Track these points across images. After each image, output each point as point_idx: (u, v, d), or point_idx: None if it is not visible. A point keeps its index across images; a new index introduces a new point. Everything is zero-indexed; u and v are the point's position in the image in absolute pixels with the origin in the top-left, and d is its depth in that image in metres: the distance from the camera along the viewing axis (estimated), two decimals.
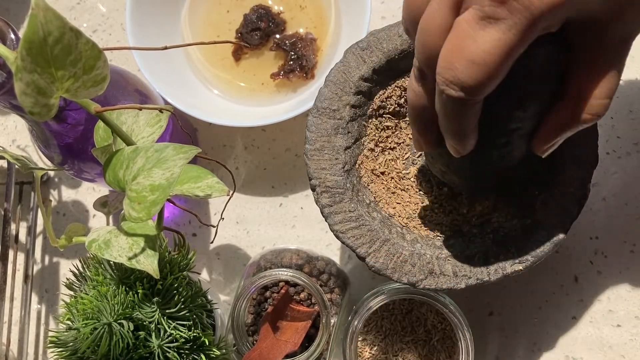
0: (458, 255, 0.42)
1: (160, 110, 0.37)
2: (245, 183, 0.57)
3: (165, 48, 0.34)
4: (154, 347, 0.39)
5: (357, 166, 0.45)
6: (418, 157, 0.48)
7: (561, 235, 0.41)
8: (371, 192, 0.46)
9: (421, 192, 0.47)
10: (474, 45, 0.29)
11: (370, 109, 0.46)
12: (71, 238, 0.47)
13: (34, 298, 0.57)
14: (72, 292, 0.43)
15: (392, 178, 0.47)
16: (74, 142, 0.43)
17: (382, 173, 0.47)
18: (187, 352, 0.40)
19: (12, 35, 0.35)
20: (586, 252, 0.53)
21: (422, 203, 0.47)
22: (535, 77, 0.33)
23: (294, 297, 0.48)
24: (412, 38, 0.34)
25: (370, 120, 0.46)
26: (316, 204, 0.43)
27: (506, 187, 0.43)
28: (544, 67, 0.33)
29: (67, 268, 0.57)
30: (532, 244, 0.41)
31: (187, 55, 0.58)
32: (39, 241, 0.58)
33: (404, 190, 0.47)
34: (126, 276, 0.40)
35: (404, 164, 0.48)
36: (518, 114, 0.35)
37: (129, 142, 0.34)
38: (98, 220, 0.58)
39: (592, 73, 0.32)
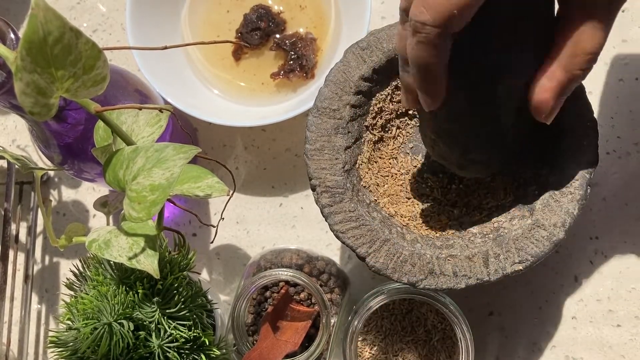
0: (458, 255, 0.42)
1: (160, 110, 0.37)
2: (245, 183, 0.57)
3: (165, 48, 0.34)
4: (154, 347, 0.39)
5: (357, 166, 0.45)
6: (419, 158, 0.48)
7: (561, 235, 0.41)
8: (371, 191, 0.46)
9: (421, 193, 0.47)
10: None
11: (371, 108, 0.46)
12: (71, 238, 0.47)
13: (34, 298, 0.57)
14: (72, 292, 0.43)
15: (393, 177, 0.47)
16: (74, 142, 0.43)
17: (383, 173, 0.47)
18: (187, 352, 0.40)
19: (12, 35, 0.35)
20: (586, 252, 0.53)
21: (423, 203, 0.47)
22: (512, 18, 0.32)
23: (294, 297, 0.48)
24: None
25: (370, 120, 0.46)
26: (316, 204, 0.43)
27: (501, 162, 0.41)
28: (523, 8, 0.32)
29: (67, 268, 0.57)
30: (532, 244, 0.41)
31: (187, 55, 0.58)
32: (39, 241, 0.58)
33: (404, 190, 0.47)
34: (126, 276, 0.40)
35: (404, 164, 0.48)
36: (502, 59, 0.33)
37: (129, 142, 0.34)
38: (98, 220, 0.58)
39: (581, 25, 0.32)
